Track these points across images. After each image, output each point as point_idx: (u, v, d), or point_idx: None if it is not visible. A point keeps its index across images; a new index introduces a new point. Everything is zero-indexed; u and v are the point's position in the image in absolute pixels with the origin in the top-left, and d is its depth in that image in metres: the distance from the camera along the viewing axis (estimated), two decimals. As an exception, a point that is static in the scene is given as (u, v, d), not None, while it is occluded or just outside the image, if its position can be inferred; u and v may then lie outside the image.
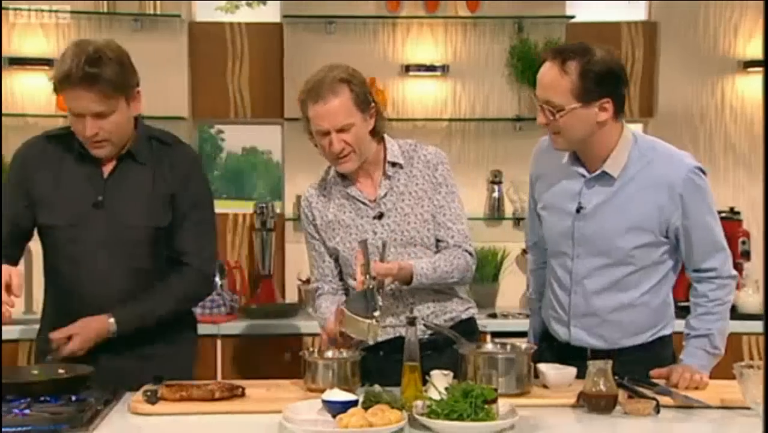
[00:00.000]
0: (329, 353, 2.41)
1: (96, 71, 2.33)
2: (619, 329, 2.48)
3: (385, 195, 2.58)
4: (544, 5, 4.40)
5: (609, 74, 2.35)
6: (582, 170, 2.47)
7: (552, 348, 2.58)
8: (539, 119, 2.42)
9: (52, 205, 2.48)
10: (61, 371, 2.32)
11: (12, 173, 2.57)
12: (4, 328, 3.71)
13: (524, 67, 4.32)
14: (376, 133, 2.57)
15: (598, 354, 2.40)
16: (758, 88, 4.49)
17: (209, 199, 2.62)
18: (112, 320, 2.43)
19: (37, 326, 4.03)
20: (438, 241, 2.60)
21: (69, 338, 2.39)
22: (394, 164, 2.59)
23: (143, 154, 2.51)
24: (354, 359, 2.38)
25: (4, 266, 2.23)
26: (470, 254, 2.60)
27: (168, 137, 2.60)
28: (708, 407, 2.21)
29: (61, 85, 2.37)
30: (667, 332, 2.54)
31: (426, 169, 2.59)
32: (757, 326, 3.87)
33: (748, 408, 2.14)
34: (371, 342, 2.38)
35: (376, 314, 2.31)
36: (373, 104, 2.54)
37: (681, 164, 2.42)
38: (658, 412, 2.15)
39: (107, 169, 2.50)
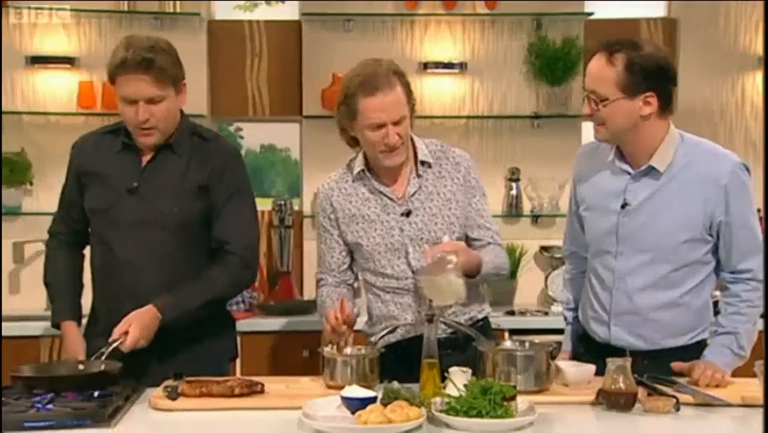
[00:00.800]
0: (348, 350, 2.42)
1: (151, 57, 2.47)
2: (660, 328, 2.47)
3: (414, 193, 2.57)
4: (563, 3, 4.37)
5: (655, 69, 2.37)
6: (627, 167, 2.48)
7: (590, 349, 2.56)
8: (585, 109, 2.45)
9: (93, 191, 2.62)
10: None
11: (69, 165, 2.73)
12: (27, 324, 3.79)
13: (542, 64, 4.31)
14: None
15: (638, 355, 2.39)
16: (780, 84, 4.47)
17: (248, 191, 2.69)
18: (155, 309, 2.49)
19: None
20: (475, 240, 2.61)
21: (126, 332, 2.44)
22: (423, 163, 2.59)
23: (182, 146, 2.61)
24: (373, 355, 2.38)
25: (75, 345, 2.59)
26: (504, 251, 2.67)
27: (209, 133, 2.71)
28: (729, 405, 2.20)
29: (117, 71, 2.49)
30: (706, 335, 2.51)
31: (455, 171, 2.60)
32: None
33: (768, 406, 2.13)
34: (452, 301, 2.39)
35: (449, 267, 2.31)
36: (414, 99, 2.56)
37: (727, 160, 2.44)
38: (678, 409, 2.14)
39: (146, 158, 2.61)
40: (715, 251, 2.46)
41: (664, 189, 2.43)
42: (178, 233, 2.57)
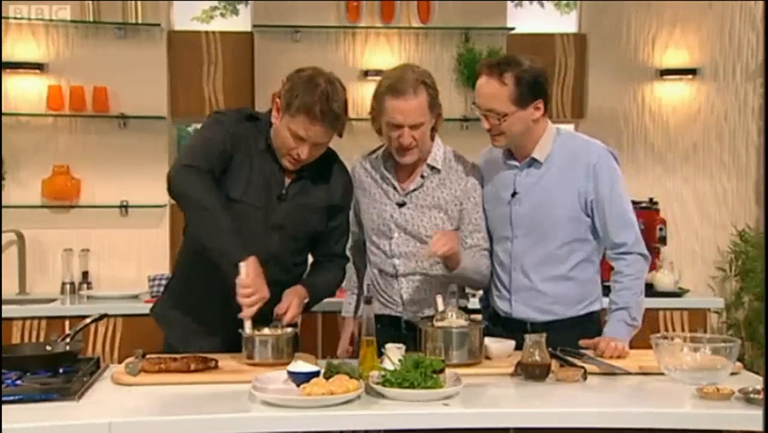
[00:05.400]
0: (266, 330, 2.33)
1: (337, 112, 2.33)
2: (554, 300, 2.51)
3: (414, 190, 2.57)
4: (488, 18, 4.40)
5: (538, 79, 2.43)
6: (514, 162, 2.54)
7: (497, 324, 2.58)
8: (484, 125, 2.48)
9: (244, 184, 2.41)
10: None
11: (221, 126, 2.41)
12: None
13: (470, 73, 4.32)
14: (433, 132, 2.56)
15: (537, 326, 2.44)
16: (672, 93, 4.56)
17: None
18: (305, 289, 2.46)
19: (32, 306, 3.91)
20: (463, 243, 2.55)
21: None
22: (432, 168, 2.57)
23: (323, 170, 2.49)
24: (288, 336, 2.33)
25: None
26: (489, 252, 2.58)
27: (332, 152, 2.54)
28: (628, 373, 2.24)
29: (300, 113, 2.32)
30: (595, 307, 2.57)
31: (458, 182, 2.57)
32: (671, 302, 3.96)
33: (661, 373, 2.18)
34: None
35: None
36: (439, 107, 2.52)
37: (596, 146, 2.53)
38: (585, 378, 2.17)
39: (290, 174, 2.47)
40: (594, 229, 2.51)
41: (546, 176, 2.49)
42: (299, 243, 2.50)
